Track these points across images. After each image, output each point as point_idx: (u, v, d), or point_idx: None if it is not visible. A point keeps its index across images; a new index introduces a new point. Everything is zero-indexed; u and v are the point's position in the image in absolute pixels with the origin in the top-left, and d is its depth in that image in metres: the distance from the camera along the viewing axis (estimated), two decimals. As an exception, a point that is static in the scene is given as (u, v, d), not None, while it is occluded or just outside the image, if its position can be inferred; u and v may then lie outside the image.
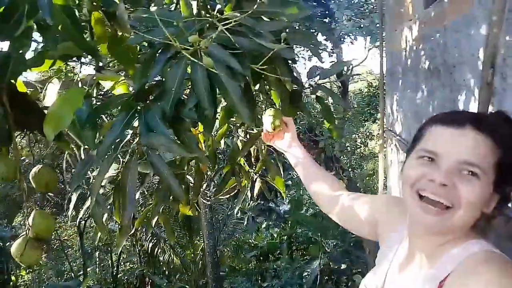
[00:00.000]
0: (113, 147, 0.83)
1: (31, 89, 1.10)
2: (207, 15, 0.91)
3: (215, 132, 1.50)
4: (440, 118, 0.77)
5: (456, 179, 0.68)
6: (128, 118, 0.84)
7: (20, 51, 0.79)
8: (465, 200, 0.68)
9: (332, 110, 1.22)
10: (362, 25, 8.82)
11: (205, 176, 1.22)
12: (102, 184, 0.99)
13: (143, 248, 10.02)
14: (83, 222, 10.28)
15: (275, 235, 11.19)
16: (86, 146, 1.03)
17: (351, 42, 10.01)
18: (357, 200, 1.01)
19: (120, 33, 1.02)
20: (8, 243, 7.71)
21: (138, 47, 1.08)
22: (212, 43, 0.75)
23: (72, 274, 11.12)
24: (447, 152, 0.70)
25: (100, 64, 1.06)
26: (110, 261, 11.76)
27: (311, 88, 1.10)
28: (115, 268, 11.18)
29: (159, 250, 8.93)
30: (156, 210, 1.06)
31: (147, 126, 0.82)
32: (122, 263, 11.73)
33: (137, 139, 0.88)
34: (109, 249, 11.89)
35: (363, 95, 12.50)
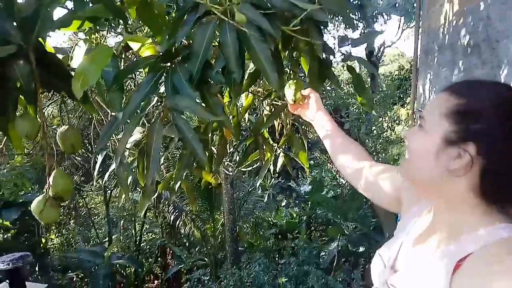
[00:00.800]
0: (139, 109, 0.83)
1: (63, 55, 1.11)
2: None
3: (240, 107, 1.49)
4: None
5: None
6: (154, 79, 0.83)
7: (48, 9, 0.79)
8: (409, 150, 0.75)
9: (365, 83, 1.17)
10: (397, 4, 8.47)
11: (228, 146, 1.21)
12: (127, 147, 1.00)
13: (165, 220, 10.32)
14: (109, 191, 10.64)
15: (295, 215, 11.25)
16: (112, 112, 1.04)
17: (384, 22, 9.67)
18: (383, 173, 0.98)
19: (149, -4, 1.00)
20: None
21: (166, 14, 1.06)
22: (243, 1, 0.72)
23: (98, 240, 11.61)
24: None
25: (128, 28, 1.05)
26: (133, 231, 12.20)
27: (342, 56, 1.06)
28: (138, 238, 11.59)
29: (181, 223, 9.16)
30: (180, 175, 1.07)
31: (173, 88, 0.81)
32: (144, 233, 12.14)
33: (163, 102, 0.88)
34: (133, 219, 12.31)
35: (393, 78, 12.14)
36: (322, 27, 0.89)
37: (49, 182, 0.89)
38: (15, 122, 0.83)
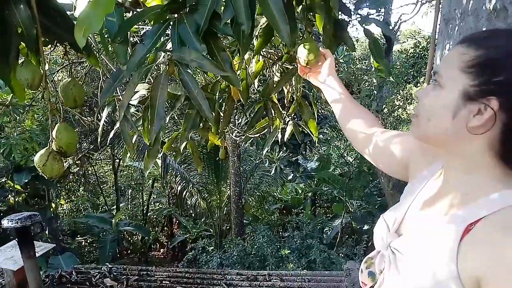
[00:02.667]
0: (145, 61, 0.79)
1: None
2: None
3: (251, 72, 1.44)
4: None
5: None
6: (160, 30, 0.79)
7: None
8: (421, 108, 0.71)
9: (383, 49, 1.12)
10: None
11: (236, 109, 1.18)
12: (133, 103, 0.97)
13: (172, 191, 10.46)
14: (117, 160, 10.78)
15: (300, 191, 11.32)
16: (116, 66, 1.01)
17: (401, -4, 9.34)
18: (392, 138, 0.94)
19: None
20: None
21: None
22: None
23: (106, 208, 11.87)
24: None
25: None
26: (141, 200, 12.42)
27: (359, 19, 1.00)
28: (146, 207, 11.81)
29: (187, 194, 9.27)
30: (185, 136, 1.04)
31: (179, 41, 0.77)
32: (152, 203, 12.37)
33: (169, 55, 0.84)
34: (141, 188, 12.51)
35: (408, 56, 11.83)
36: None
37: (52, 135, 0.87)
38: (16, 70, 0.80)
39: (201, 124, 1.06)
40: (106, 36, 0.96)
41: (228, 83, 0.94)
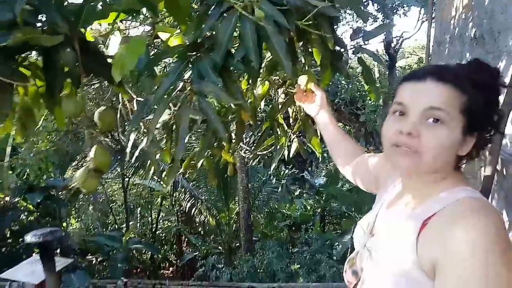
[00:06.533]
0: (168, 92, 0.94)
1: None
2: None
3: (257, 95, 1.59)
4: (407, 75, 0.82)
5: (422, 128, 0.74)
6: (182, 66, 0.94)
7: (92, 3, 0.90)
8: (427, 146, 0.73)
9: (374, 74, 1.26)
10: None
11: (246, 128, 1.32)
12: (157, 126, 1.12)
13: (181, 208, 10.55)
14: (127, 179, 10.94)
15: (309, 207, 11.33)
16: (137, 97, 1.16)
17: (403, 13, 9.55)
18: (367, 158, 1.13)
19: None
20: (60, 192, 8.40)
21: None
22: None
23: (116, 226, 11.96)
24: (412, 103, 0.76)
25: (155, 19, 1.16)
26: (150, 218, 12.51)
27: (354, 49, 1.14)
28: (154, 225, 11.89)
29: (196, 211, 9.34)
30: (202, 154, 1.18)
31: (199, 74, 0.92)
32: (160, 221, 12.45)
33: (189, 87, 0.99)
34: (149, 206, 12.62)
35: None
36: (333, 22, 0.98)
37: (90, 156, 1.01)
38: (62, 102, 0.95)
39: (215, 144, 1.20)
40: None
41: (240, 109, 1.09)
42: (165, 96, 0.94)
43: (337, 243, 8.73)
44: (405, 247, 0.75)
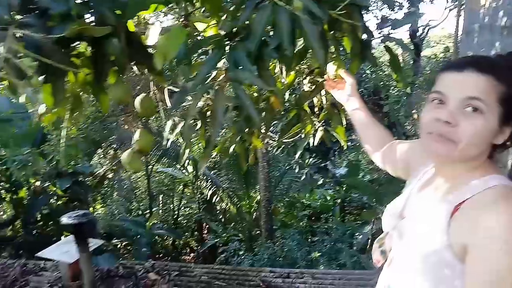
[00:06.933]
0: (205, 78, 1.00)
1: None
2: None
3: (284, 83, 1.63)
4: (446, 65, 0.86)
5: (460, 117, 0.77)
6: (218, 55, 1.00)
7: (137, -5, 0.97)
8: (464, 134, 0.77)
9: (401, 62, 1.29)
10: (444, -18, 8.10)
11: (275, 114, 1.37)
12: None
13: (202, 196, 10.75)
14: (150, 166, 11.20)
15: (329, 197, 11.32)
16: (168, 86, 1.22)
17: (430, 1, 9.28)
18: (397, 144, 1.16)
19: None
20: (87, 178, 8.71)
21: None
22: (298, -10, 0.86)
23: (139, 212, 12.31)
24: (451, 92, 0.79)
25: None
26: (172, 205, 12.80)
27: (382, 37, 1.18)
28: (176, 212, 12.16)
29: (217, 199, 9.50)
30: (234, 139, 1.25)
31: (234, 63, 0.98)
32: (182, 208, 12.73)
33: (222, 75, 1.04)
34: (171, 194, 12.91)
35: (438, 61, 11.70)
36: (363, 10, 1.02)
37: (135, 138, 1.09)
38: (110, 89, 1.03)
39: (246, 130, 1.26)
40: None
41: (272, 95, 1.14)
42: (203, 84, 1.00)
43: (357, 233, 8.73)
44: (436, 230, 0.79)
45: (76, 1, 0.89)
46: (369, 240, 8.27)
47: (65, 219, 2.55)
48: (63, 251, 2.94)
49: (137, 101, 1.15)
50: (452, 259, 0.76)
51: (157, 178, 13.31)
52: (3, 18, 0.82)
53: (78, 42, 1.03)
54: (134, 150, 1.09)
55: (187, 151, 1.15)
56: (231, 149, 1.32)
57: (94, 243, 2.91)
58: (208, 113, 1.13)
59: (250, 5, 0.95)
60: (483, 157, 0.82)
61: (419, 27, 10.03)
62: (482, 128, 0.76)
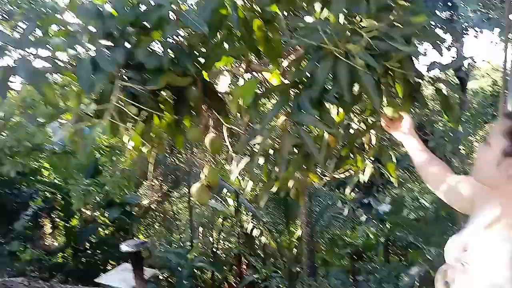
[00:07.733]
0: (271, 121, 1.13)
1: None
2: (347, 23, 1.14)
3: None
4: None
5: None
6: (283, 100, 1.13)
7: (217, 51, 1.14)
8: (476, 160, 1.05)
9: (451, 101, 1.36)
10: (490, 17, 8.00)
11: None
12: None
13: (242, 230, 10.75)
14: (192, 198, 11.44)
15: (371, 235, 10.92)
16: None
17: (475, 36, 9.15)
18: (461, 182, 1.20)
19: (271, 35, 1.32)
20: (133, 208, 9.07)
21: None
22: (360, 48, 0.99)
23: (180, 244, 12.47)
24: None
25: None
26: (211, 238, 12.86)
27: (430, 80, 1.27)
28: (215, 245, 12.18)
29: (258, 233, 9.46)
30: (293, 175, 1.35)
31: (298, 107, 1.10)
32: (220, 241, 12.74)
33: (284, 118, 1.18)
34: (211, 226, 13.02)
35: (485, 95, 11.33)
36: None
37: (204, 174, 1.23)
38: (189, 131, 1.20)
39: (304, 166, 1.37)
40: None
41: (332, 135, 1.24)
42: (269, 125, 1.14)
43: (403, 275, 8.31)
44: (500, 264, 0.87)
45: (168, 57, 1.07)
46: (417, 283, 7.83)
47: (123, 247, 2.73)
48: (120, 277, 3.11)
49: (207, 140, 1.31)
50: None
51: (198, 210, 13.53)
52: (112, 73, 1.00)
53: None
54: (203, 185, 1.23)
55: (249, 183, 1.27)
56: (290, 184, 1.43)
57: (149, 271, 3.05)
58: (270, 151, 1.26)
59: (315, 58, 1.09)
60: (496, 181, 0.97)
61: (463, 59, 9.86)
62: (485, 156, 1.00)
